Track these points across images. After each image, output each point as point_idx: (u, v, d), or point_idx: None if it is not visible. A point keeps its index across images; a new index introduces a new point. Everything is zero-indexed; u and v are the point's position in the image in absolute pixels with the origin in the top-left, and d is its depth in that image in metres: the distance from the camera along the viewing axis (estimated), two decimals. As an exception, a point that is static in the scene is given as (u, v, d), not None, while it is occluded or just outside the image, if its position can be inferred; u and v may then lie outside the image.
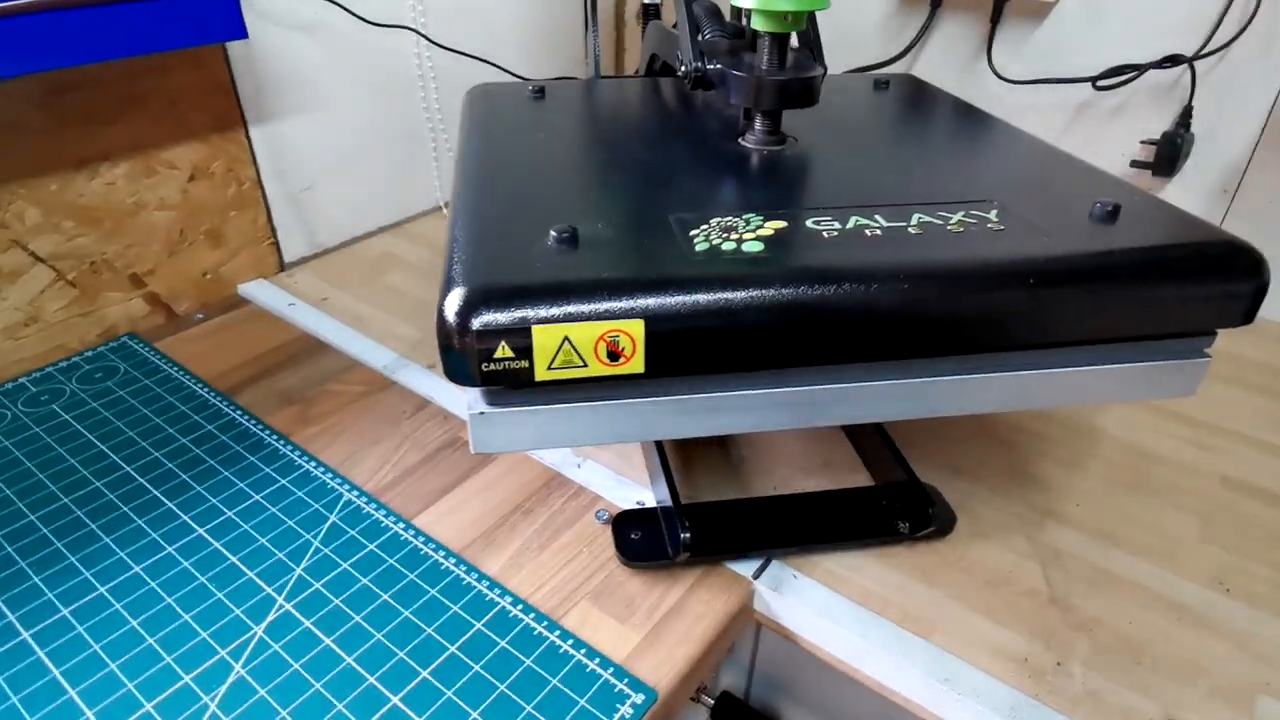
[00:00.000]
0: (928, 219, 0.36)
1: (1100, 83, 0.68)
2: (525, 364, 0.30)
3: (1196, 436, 0.56)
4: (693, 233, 0.34)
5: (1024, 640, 0.41)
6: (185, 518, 0.47)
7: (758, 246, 0.33)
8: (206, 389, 0.59)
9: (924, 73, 0.79)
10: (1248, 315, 0.35)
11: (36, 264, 0.58)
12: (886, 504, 0.48)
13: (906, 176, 0.42)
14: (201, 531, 0.46)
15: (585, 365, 0.30)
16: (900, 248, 0.33)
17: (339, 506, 0.48)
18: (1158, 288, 0.34)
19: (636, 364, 0.30)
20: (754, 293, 0.31)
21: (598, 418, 0.33)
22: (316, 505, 0.48)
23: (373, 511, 0.48)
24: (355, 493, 0.50)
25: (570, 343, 0.29)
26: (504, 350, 0.29)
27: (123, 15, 0.51)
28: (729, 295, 0.31)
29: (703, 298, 0.30)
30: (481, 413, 0.32)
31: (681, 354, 0.31)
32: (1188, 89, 0.66)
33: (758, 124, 0.45)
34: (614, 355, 0.30)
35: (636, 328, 0.30)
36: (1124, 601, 0.44)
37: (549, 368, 0.30)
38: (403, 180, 0.83)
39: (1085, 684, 0.39)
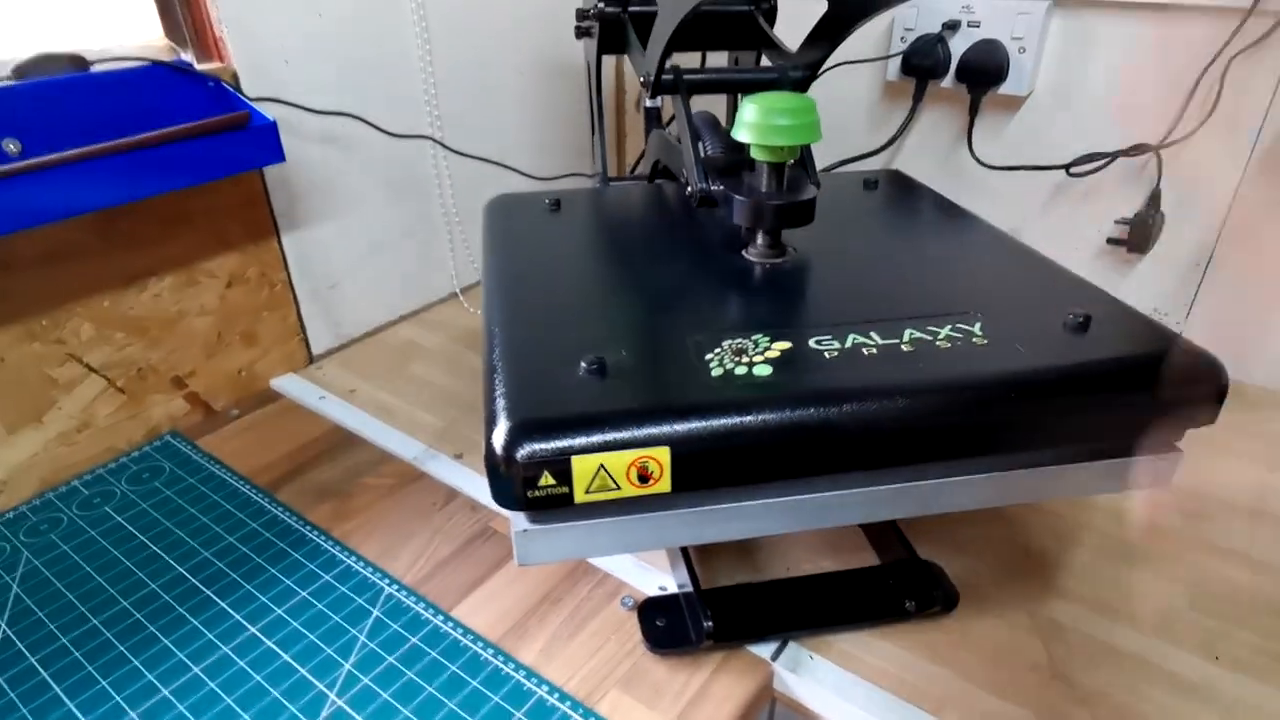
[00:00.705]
0: (918, 334, 0.40)
1: (1073, 169, 0.74)
2: (565, 489, 0.33)
3: (1180, 504, 0.59)
4: (707, 356, 0.38)
5: (1030, 716, 0.44)
6: (237, 617, 0.50)
7: (767, 370, 0.37)
8: (248, 485, 0.62)
9: (908, 159, 0.85)
10: (1210, 416, 0.39)
11: (90, 374, 0.62)
12: (893, 584, 0.51)
13: (897, 286, 0.46)
14: (254, 630, 0.49)
15: (618, 488, 0.34)
16: (895, 367, 0.37)
17: (381, 600, 0.52)
18: (1127, 396, 0.38)
19: (664, 485, 0.34)
20: (765, 416, 0.35)
21: (629, 530, 0.36)
22: (360, 600, 0.52)
23: (412, 605, 0.51)
24: (395, 586, 0.53)
25: (605, 470, 0.33)
26: (546, 479, 0.33)
27: (177, 153, 0.56)
28: (743, 420, 0.34)
29: (720, 423, 0.34)
30: (525, 530, 0.36)
31: (703, 473, 0.35)
32: (1155, 173, 0.71)
33: (759, 239, 0.50)
34: (644, 478, 0.34)
35: (663, 454, 0.34)
36: (1123, 674, 0.47)
37: (586, 491, 0.34)
38: (420, 272, 0.87)
39: (1088, 757, 0.42)
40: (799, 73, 0.55)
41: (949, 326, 0.41)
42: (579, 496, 0.34)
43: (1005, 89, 0.74)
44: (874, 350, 0.39)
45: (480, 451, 0.64)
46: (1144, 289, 0.76)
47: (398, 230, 0.83)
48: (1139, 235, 0.73)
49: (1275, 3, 0.62)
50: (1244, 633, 0.49)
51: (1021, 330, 0.40)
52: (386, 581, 0.53)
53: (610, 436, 0.33)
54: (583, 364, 0.37)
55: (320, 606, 0.51)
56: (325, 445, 0.68)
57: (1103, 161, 0.72)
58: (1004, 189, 0.79)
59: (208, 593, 0.52)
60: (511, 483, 0.33)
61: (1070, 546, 0.56)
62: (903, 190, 0.64)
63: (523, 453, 0.33)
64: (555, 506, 0.34)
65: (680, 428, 0.34)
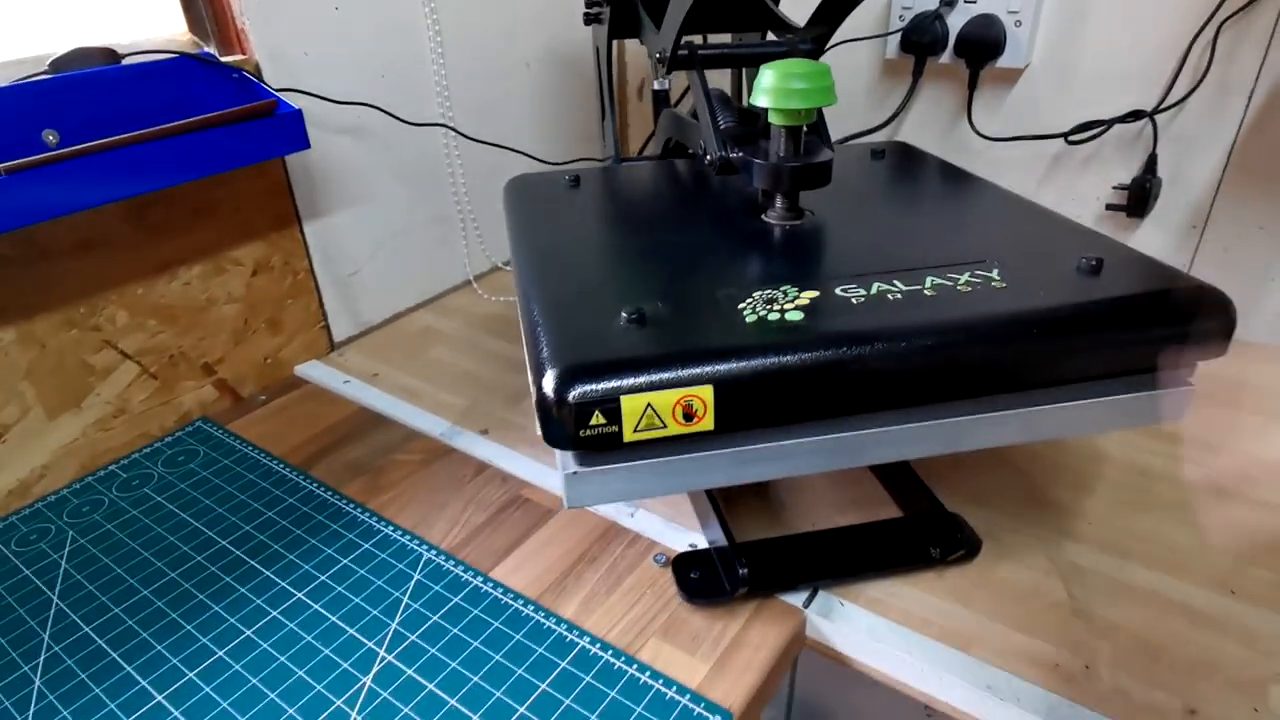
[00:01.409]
0: (939, 281, 0.42)
1: (1072, 137, 0.76)
2: (615, 428, 0.35)
3: (1190, 454, 0.61)
4: (740, 306, 0.40)
5: (1053, 648, 0.46)
6: (283, 584, 0.52)
7: (799, 315, 0.39)
8: (281, 464, 0.64)
9: (910, 134, 0.87)
10: (1220, 349, 0.40)
11: (125, 360, 0.64)
12: (918, 533, 0.53)
13: (913, 242, 0.48)
14: (300, 595, 0.51)
15: (665, 427, 0.35)
16: (921, 309, 0.39)
17: (420, 565, 0.53)
18: (1141, 331, 0.40)
19: (708, 423, 0.36)
20: (802, 356, 0.36)
21: (673, 471, 0.38)
22: (400, 565, 0.53)
23: (451, 568, 0.53)
24: (433, 551, 0.54)
25: (652, 408, 0.35)
26: (597, 418, 0.35)
27: (206, 140, 0.58)
28: (781, 359, 0.36)
29: (759, 363, 0.36)
30: (575, 472, 0.37)
31: (744, 411, 0.36)
32: (1151, 139, 0.73)
33: (778, 203, 0.52)
34: (689, 416, 0.35)
35: (707, 392, 0.35)
36: (1140, 608, 0.48)
37: (635, 430, 0.35)
38: (436, 259, 0.89)
39: (1113, 683, 0.44)
40: (807, 45, 0.57)
41: (968, 273, 0.42)
42: (628, 435, 0.35)
43: (1003, 62, 0.76)
44: (899, 296, 0.40)
45: (506, 428, 0.67)
46: (1144, 251, 0.78)
47: (413, 218, 0.85)
48: (1137, 200, 0.75)
49: (1263, -32, 0.64)
50: (1258, 569, 0.51)
51: (1037, 275, 0.42)
52: (425, 548, 0.55)
53: (656, 377, 0.35)
54: (623, 314, 0.39)
55: (362, 572, 0.53)
56: (353, 425, 0.69)
57: (1100, 129, 0.74)
58: (1005, 159, 0.81)
59: (252, 563, 0.54)
60: (564, 423, 0.35)
61: (1085, 495, 0.58)
62: (910, 159, 0.66)
63: (575, 393, 0.35)
64: (605, 446, 0.36)
65: (722, 367, 0.36)
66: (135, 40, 0.63)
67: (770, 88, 0.47)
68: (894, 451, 0.41)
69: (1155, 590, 0.50)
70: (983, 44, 0.75)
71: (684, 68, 0.57)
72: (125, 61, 0.59)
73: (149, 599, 0.51)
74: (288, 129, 0.63)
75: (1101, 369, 0.40)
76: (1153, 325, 0.40)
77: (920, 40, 0.78)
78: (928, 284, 0.41)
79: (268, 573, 0.53)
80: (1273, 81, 0.67)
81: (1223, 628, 0.47)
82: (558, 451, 0.39)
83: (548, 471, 0.62)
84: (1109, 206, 0.77)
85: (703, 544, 0.54)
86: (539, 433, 0.37)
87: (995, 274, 0.42)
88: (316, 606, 0.50)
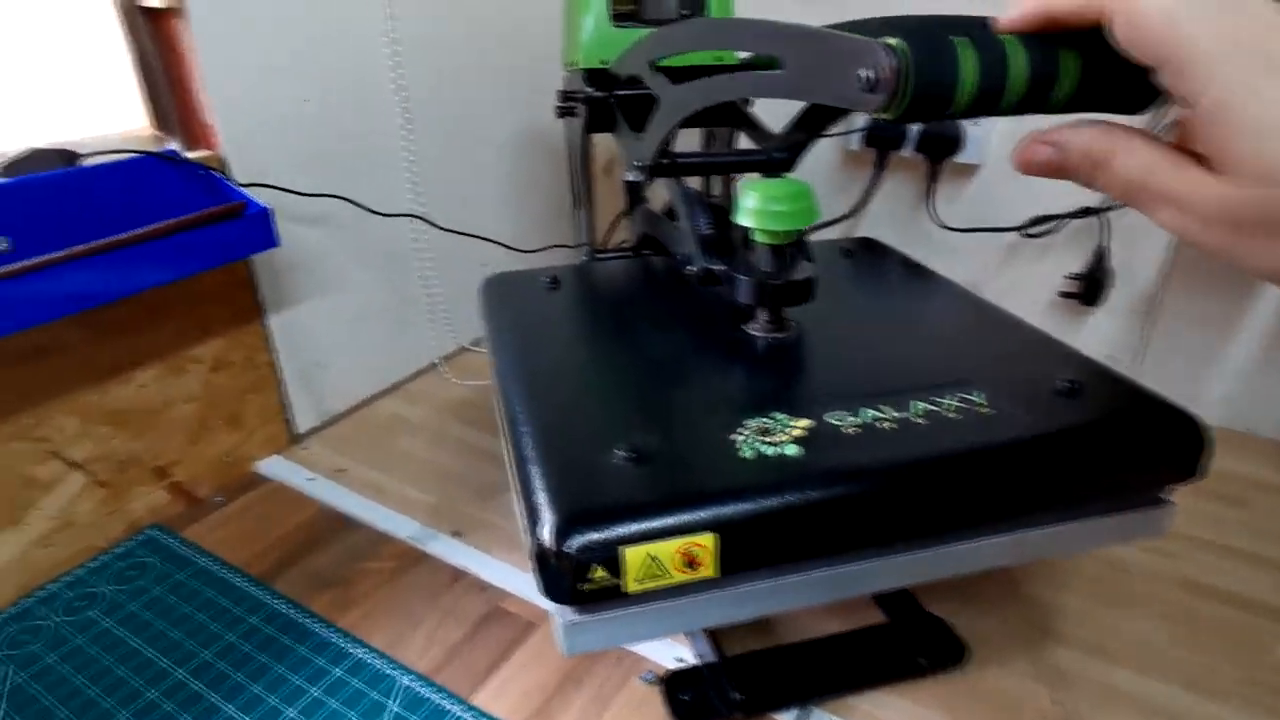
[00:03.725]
0: (927, 406, 0.42)
1: (1027, 231, 0.79)
2: (616, 581, 0.34)
3: (1160, 544, 0.63)
4: (732, 437, 0.40)
5: (1048, 765, 0.46)
6: (248, 721, 0.49)
7: (796, 450, 0.39)
8: (241, 577, 0.60)
9: (872, 222, 0.89)
10: (1199, 473, 0.42)
11: (71, 470, 0.60)
12: (905, 640, 0.53)
13: (896, 359, 0.49)
14: (267, 735, 0.48)
15: (667, 576, 0.35)
16: (915, 440, 0.39)
17: (396, 692, 0.50)
18: (1121, 454, 0.41)
19: (710, 570, 0.35)
20: (804, 495, 0.36)
21: (674, 614, 0.37)
22: (374, 694, 0.50)
23: (430, 695, 0.50)
24: (409, 676, 0.52)
25: (654, 559, 0.34)
26: (598, 572, 0.34)
27: (171, 245, 0.56)
28: (783, 500, 0.36)
29: (760, 504, 0.36)
30: (573, 622, 0.36)
31: (747, 555, 0.36)
32: (1100, 233, 0.77)
33: (760, 316, 0.52)
34: (691, 564, 0.35)
35: (709, 540, 0.35)
36: (1122, 713, 0.49)
37: (636, 581, 0.34)
38: (401, 343, 0.87)
39: (1109, 803, 0.44)
40: (782, 154, 0.59)
41: (954, 398, 0.43)
42: (629, 586, 0.34)
43: (961, 158, 0.79)
44: (893, 425, 0.41)
45: (480, 528, 0.65)
46: (1098, 337, 0.81)
47: (379, 303, 0.83)
48: (1090, 289, 0.78)
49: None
50: (1224, 665, 0.52)
51: (1019, 397, 0.43)
52: (399, 672, 0.52)
53: (657, 524, 0.34)
54: (617, 451, 0.38)
55: (335, 704, 0.50)
56: (318, 529, 0.66)
57: (1053, 225, 0.77)
58: (964, 247, 0.84)
59: (213, 698, 0.50)
60: (563, 576, 0.34)
61: (1063, 592, 0.58)
62: (878, 257, 0.67)
63: (575, 545, 0.34)
64: (605, 598, 0.35)
65: (725, 510, 0.35)
66: (95, 137, 0.61)
67: (754, 209, 0.47)
68: (892, 581, 0.41)
69: (1132, 692, 0.50)
70: (943, 141, 0.78)
71: (665, 175, 0.57)
72: (85, 162, 0.57)
73: (98, 745, 0.47)
74: (257, 228, 0.61)
75: (1087, 490, 0.41)
76: (1130, 449, 0.41)
77: (884, 136, 0.81)
78: (916, 410, 0.42)
79: (231, 708, 0.49)
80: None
81: (1207, 734, 0.48)
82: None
83: (526, 579, 0.60)
84: (1063, 294, 0.80)
85: (690, 658, 0.53)
86: (530, 569, 0.35)
87: (979, 398, 0.43)
88: (285, 747, 0.47)
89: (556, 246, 0.99)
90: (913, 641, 0.53)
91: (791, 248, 0.51)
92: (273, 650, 0.54)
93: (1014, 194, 0.80)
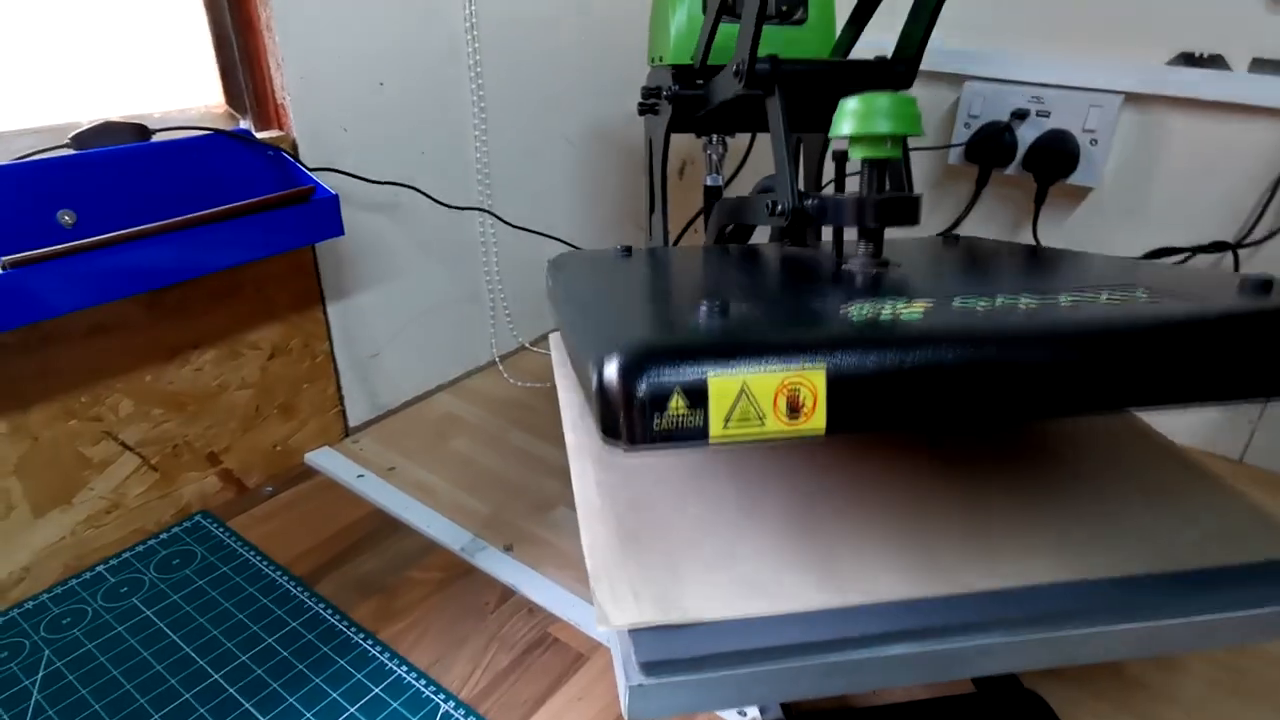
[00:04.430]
0: (1077, 298, 0.36)
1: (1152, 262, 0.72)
2: (700, 419, 0.28)
3: (1285, 628, 0.56)
4: (844, 310, 0.34)
5: None
6: (280, 737, 0.46)
7: (916, 314, 0.33)
8: (285, 576, 0.58)
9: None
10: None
11: (125, 452, 0.59)
12: (995, 714, 0.47)
13: (1033, 277, 0.43)
14: (299, 754, 0.45)
15: (763, 421, 0.29)
16: (1060, 313, 0.33)
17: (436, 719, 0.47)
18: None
19: (818, 420, 0.29)
20: (933, 349, 0.30)
21: (753, 682, 0.33)
22: (415, 719, 0.47)
23: (471, 726, 0.47)
24: (451, 703, 0.48)
25: (748, 393, 0.28)
26: (678, 404, 0.28)
27: (237, 228, 0.53)
28: (908, 352, 0.30)
29: (881, 355, 0.30)
30: (641, 685, 0.32)
31: (860, 406, 0.30)
32: (1231, 269, 0.69)
33: (861, 249, 0.46)
34: (794, 409, 0.29)
35: (818, 377, 0.29)
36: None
37: (726, 423, 0.29)
38: (461, 339, 0.85)
39: None
40: (901, 67, 0.54)
41: (1110, 292, 0.37)
42: (716, 429, 0.28)
43: (1074, 179, 0.73)
44: (1031, 304, 0.35)
45: (533, 543, 0.61)
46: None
47: (442, 296, 0.81)
48: (1212, 331, 0.70)
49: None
50: (1378, 784, 0.45)
51: (1194, 293, 0.36)
52: (441, 697, 0.49)
53: (754, 357, 0.29)
54: (704, 304, 0.32)
55: (371, 726, 0.47)
56: (366, 530, 0.64)
57: (1182, 256, 0.70)
58: (1068, 278, 0.78)
59: (247, 705, 0.48)
60: (633, 409, 0.28)
61: (1176, 673, 0.52)
62: (987, 246, 0.61)
63: (651, 373, 0.28)
64: (686, 439, 0.29)
65: (837, 355, 0.29)
66: (166, 112, 0.60)
67: (854, 111, 0.42)
68: (1000, 664, 0.36)
69: (1266, 807, 0.44)
70: (1056, 160, 0.71)
71: (761, 84, 0.52)
72: (156, 138, 0.55)
73: (128, 748, 0.45)
74: (323, 215, 0.59)
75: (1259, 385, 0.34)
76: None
77: (989, 150, 0.74)
78: (1063, 299, 0.36)
79: (262, 719, 0.47)
80: (1367, 223, 0.63)
81: None
82: (618, 655, 0.33)
83: (578, 603, 0.57)
84: (1179, 334, 0.73)
85: (755, 712, 0.48)
86: (599, 434, 0.29)
87: (1140, 293, 0.37)
88: (317, 771, 0.44)
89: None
90: (1004, 716, 0.47)
91: (892, 168, 0.45)
92: (312, 660, 0.51)
93: (1131, 223, 0.73)
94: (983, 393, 0.31)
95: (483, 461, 0.73)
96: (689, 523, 0.40)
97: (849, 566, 0.37)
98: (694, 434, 0.28)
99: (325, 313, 0.70)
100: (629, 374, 0.28)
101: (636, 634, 0.33)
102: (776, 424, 0.29)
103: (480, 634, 0.54)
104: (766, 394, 0.28)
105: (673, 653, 0.33)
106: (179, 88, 0.61)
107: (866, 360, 0.29)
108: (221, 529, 0.63)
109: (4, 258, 0.44)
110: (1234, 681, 0.51)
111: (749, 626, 0.34)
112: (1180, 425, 0.76)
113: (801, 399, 0.29)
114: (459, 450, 0.75)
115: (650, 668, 0.32)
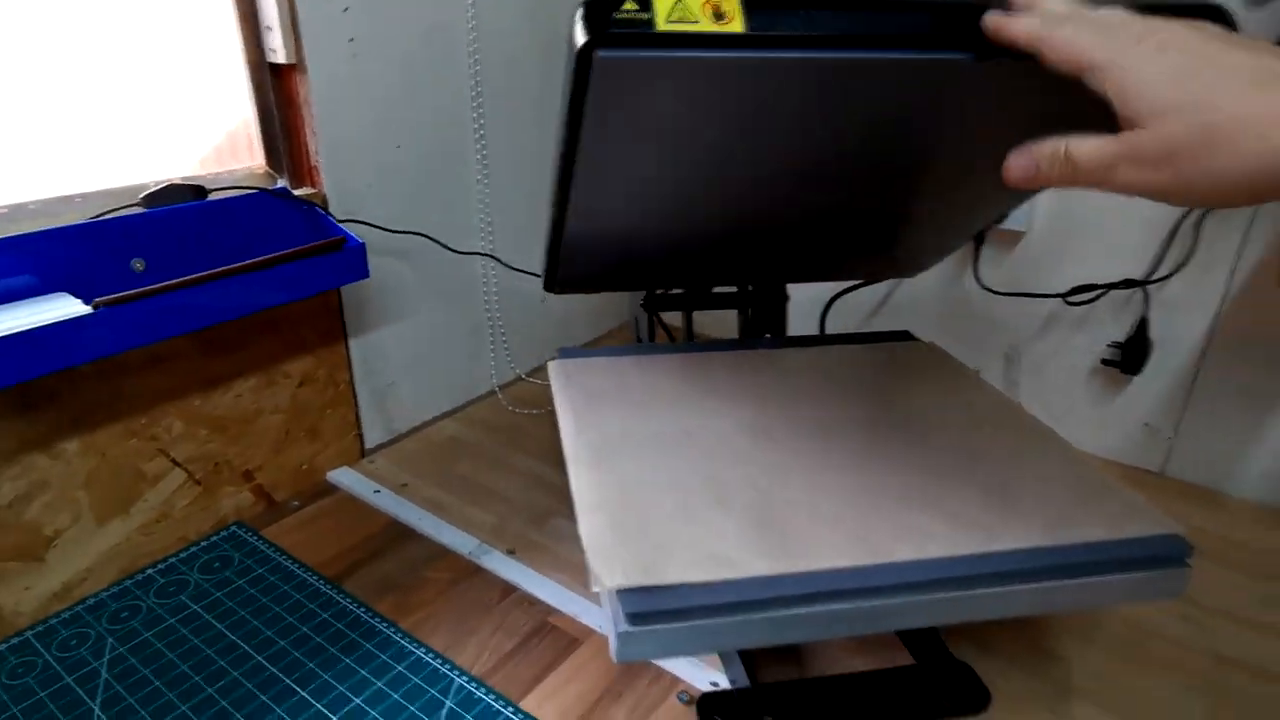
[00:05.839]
0: None
1: (1071, 298, 0.82)
2: (647, 15, 0.36)
3: (1185, 612, 0.64)
4: None
5: (1062, 811, 0.48)
6: (319, 705, 0.54)
7: None
8: (315, 576, 0.66)
9: (916, 283, 0.93)
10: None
11: (174, 468, 0.67)
12: (931, 684, 0.55)
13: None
14: (335, 719, 0.52)
15: (697, 22, 0.36)
16: None
17: (453, 691, 0.55)
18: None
19: (736, 22, 0.37)
20: None
21: (718, 631, 0.41)
22: (433, 691, 0.55)
23: (483, 696, 0.55)
24: (464, 677, 0.56)
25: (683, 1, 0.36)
26: (628, 3, 0.36)
27: (282, 274, 0.63)
28: None
29: None
30: (627, 631, 0.40)
31: (771, 16, 0.37)
32: (1142, 304, 0.79)
33: None
34: (719, 15, 0.37)
35: None
36: (1143, 772, 0.51)
37: (667, 20, 0.36)
38: (465, 370, 0.94)
39: None
40: None
41: None
42: (659, 24, 0.36)
43: (1006, 225, 0.83)
44: None
45: (533, 549, 0.70)
46: (1136, 406, 0.83)
47: (447, 333, 0.90)
48: (1129, 358, 0.80)
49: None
50: (1252, 736, 0.53)
51: None
52: (455, 673, 0.57)
53: None
54: None
55: (396, 697, 0.54)
56: (383, 539, 0.72)
57: (1096, 293, 0.80)
58: (1006, 314, 0.87)
59: (288, 681, 0.55)
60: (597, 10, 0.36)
61: (1087, 647, 0.60)
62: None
63: None
64: (639, 43, 0.36)
65: None
66: (217, 173, 0.69)
67: None
68: (917, 619, 0.44)
69: (1157, 755, 0.52)
70: (988, 209, 0.82)
71: None
72: (211, 196, 0.64)
73: (186, 715, 0.52)
74: (353, 261, 0.68)
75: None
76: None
77: (930, 201, 0.85)
78: None
79: (303, 693, 0.54)
80: (1250, 263, 0.74)
81: (1222, 797, 0.49)
82: (608, 610, 0.42)
83: (574, 597, 0.65)
84: (1104, 361, 0.83)
85: (725, 682, 0.56)
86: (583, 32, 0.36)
87: None
88: (352, 732, 0.52)
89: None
90: (938, 685, 0.55)
91: None
92: (342, 644, 0.59)
93: (1057, 262, 0.83)
94: None
95: (486, 479, 0.81)
96: (668, 512, 0.48)
97: (797, 543, 0.46)
98: (644, 25, 0.36)
99: (347, 346, 0.79)
100: None
101: (624, 593, 0.42)
102: (708, 25, 0.37)
103: (487, 623, 0.62)
104: (698, 2, 0.37)
105: (653, 606, 0.41)
106: (223, 150, 0.71)
107: None
108: (255, 537, 0.71)
109: (97, 299, 0.52)
110: (1137, 658, 0.60)
111: (715, 589, 0.43)
112: (1101, 444, 0.86)
113: (725, 10, 0.37)
114: (463, 469, 0.83)
115: (634, 618, 0.41)
